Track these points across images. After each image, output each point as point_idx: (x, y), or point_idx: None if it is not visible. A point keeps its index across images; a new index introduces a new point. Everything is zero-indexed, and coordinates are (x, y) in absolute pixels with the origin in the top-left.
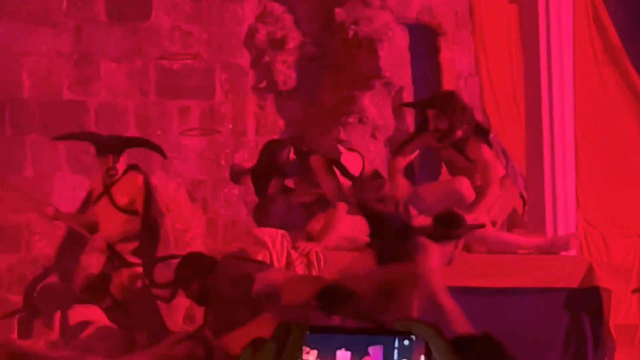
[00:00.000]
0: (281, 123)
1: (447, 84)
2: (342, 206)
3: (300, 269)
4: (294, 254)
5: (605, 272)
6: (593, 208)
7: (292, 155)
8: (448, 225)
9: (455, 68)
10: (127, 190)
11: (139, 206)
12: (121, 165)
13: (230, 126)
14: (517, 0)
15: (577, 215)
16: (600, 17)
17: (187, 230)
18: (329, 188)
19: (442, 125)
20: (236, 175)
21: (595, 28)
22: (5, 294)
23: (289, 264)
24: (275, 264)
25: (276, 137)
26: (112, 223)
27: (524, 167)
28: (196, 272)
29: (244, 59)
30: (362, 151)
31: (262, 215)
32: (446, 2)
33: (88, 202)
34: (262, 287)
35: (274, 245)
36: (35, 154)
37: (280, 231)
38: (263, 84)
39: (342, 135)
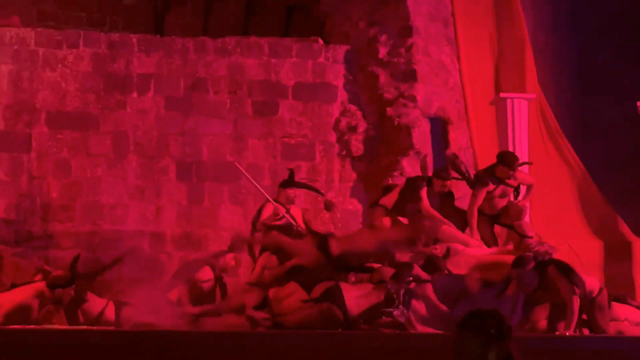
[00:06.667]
0: (354, 176)
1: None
2: None
3: None
4: None
5: None
6: (541, 228)
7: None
8: None
9: (458, 144)
10: (296, 215)
11: (303, 224)
12: (286, 197)
13: (324, 177)
14: (495, 104)
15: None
16: (545, 113)
17: None
18: None
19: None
20: (327, 207)
21: (542, 119)
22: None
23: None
24: None
25: (351, 184)
26: None
27: None
28: None
29: (333, 137)
30: None
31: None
32: (453, 104)
33: (271, 217)
34: None
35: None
36: (211, 194)
37: None
38: (344, 152)
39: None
